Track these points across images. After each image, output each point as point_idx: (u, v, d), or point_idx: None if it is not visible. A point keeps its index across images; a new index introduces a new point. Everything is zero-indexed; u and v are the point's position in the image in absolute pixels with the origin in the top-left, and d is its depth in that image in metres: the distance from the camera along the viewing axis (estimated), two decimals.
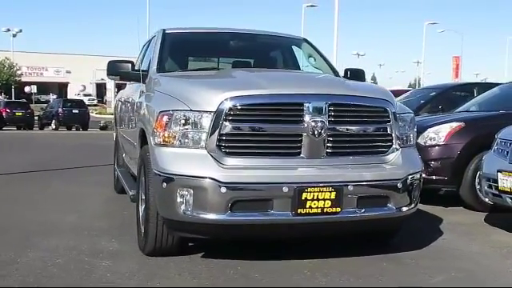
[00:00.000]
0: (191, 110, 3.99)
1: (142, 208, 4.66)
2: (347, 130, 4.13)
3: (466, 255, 4.73)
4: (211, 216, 3.87)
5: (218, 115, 3.90)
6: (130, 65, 5.37)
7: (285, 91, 4.14)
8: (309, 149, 4.01)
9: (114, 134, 8.29)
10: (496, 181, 5.35)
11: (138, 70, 5.35)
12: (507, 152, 5.36)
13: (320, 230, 4.23)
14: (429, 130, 6.84)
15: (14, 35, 64.21)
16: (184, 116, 3.99)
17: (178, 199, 3.91)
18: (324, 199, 3.93)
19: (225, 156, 3.92)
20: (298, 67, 6.16)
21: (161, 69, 5.26)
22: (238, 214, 3.89)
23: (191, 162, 3.93)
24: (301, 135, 3.99)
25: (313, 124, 3.96)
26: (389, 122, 4.24)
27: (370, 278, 4.02)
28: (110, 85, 53.42)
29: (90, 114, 35.58)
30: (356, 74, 5.54)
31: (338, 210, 3.98)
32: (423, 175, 4.66)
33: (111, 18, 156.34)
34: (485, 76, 74.29)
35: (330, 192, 3.94)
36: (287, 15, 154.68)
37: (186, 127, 3.98)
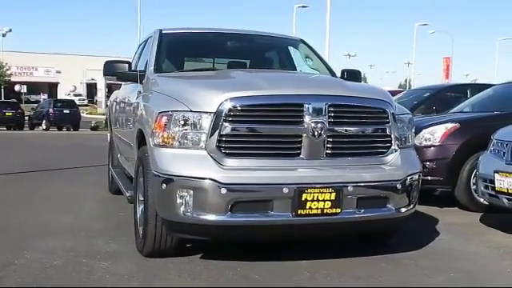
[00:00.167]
0: (191, 111, 3.97)
1: (139, 209, 4.64)
2: (347, 130, 4.13)
3: (464, 256, 4.75)
4: (211, 217, 3.86)
5: (218, 116, 3.89)
6: (126, 65, 5.35)
7: (285, 92, 4.13)
8: (309, 150, 4.01)
9: (109, 134, 8.25)
10: (493, 181, 5.37)
11: (135, 71, 5.33)
12: (504, 153, 5.40)
13: (320, 231, 4.23)
14: (424, 130, 6.87)
15: (4, 35, 63.70)
16: (183, 117, 3.97)
17: (178, 200, 3.90)
18: (324, 200, 3.93)
19: (225, 157, 3.91)
20: (294, 68, 6.16)
21: (158, 69, 5.24)
22: (238, 215, 3.88)
23: (191, 162, 3.92)
24: (301, 136, 3.99)
25: (313, 125, 3.96)
26: (388, 122, 4.25)
27: (370, 279, 4.02)
28: (101, 85, 53.27)
29: (81, 114, 35.40)
30: (352, 75, 5.55)
31: (338, 210, 3.98)
32: None
33: (102, 18, 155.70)
34: (475, 77, 74.75)
35: (330, 193, 3.94)
36: (278, 16, 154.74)
37: (186, 128, 3.97)
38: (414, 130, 4.67)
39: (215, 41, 6.08)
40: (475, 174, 6.50)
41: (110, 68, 5.36)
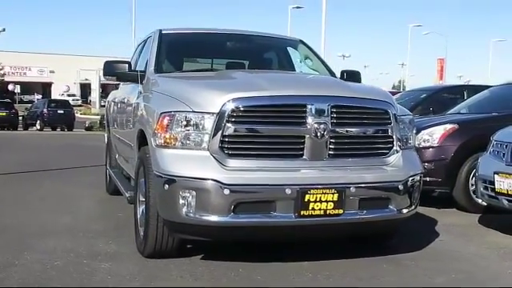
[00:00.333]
0: (193, 112, 3.96)
1: (140, 210, 4.63)
2: (349, 131, 4.13)
3: (464, 257, 4.76)
4: (214, 218, 3.85)
5: (221, 116, 3.88)
6: (126, 65, 5.33)
7: (288, 93, 4.13)
8: (311, 150, 4.00)
9: (106, 135, 8.23)
10: (492, 182, 5.39)
11: (136, 71, 5.31)
12: (503, 154, 5.41)
13: (322, 232, 4.23)
14: (422, 131, 6.88)
15: None
16: (186, 117, 3.96)
17: (180, 201, 3.88)
18: (327, 201, 3.93)
19: (227, 158, 3.90)
20: (293, 68, 6.16)
21: (158, 69, 5.22)
22: (240, 216, 3.87)
23: (194, 163, 3.91)
24: (303, 137, 3.98)
25: (315, 126, 3.96)
26: (390, 123, 4.25)
27: (372, 280, 4.03)
28: (95, 85, 53.13)
29: (75, 114, 35.31)
30: (352, 76, 5.55)
31: (341, 211, 3.98)
32: None
33: (96, 18, 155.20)
34: (468, 78, 74.88)
35: (333, 194, 3.94)
36: (273, 17, 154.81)
37: (188, 128, 3.95)
38: (414, 131, 4.68)
39: (215, 41, 6.07)
40: (474, 175, 6.53)
41: (110, 68, 5.34)
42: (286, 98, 4.05)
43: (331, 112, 4.02)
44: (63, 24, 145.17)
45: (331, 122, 4.01)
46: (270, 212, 3.90)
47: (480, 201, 6.54)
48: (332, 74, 5.67)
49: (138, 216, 4.63)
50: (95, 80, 52.99)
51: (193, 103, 4.00)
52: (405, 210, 4.29)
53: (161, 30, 5.78)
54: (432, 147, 6.83)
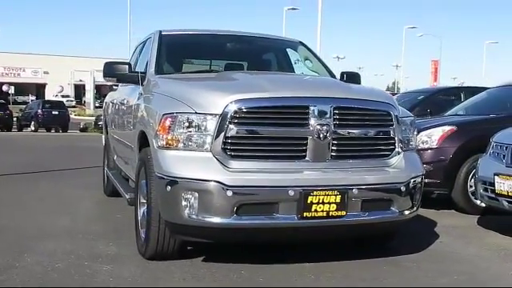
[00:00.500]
0: (196, 113, 3.95)
1: (140, 211, 4.61)
2: (352, 133, 4.13)
3: (465, 258, 4.76)
4: (216, 220, 3.84)
5: (224, 118, 3.87)
6: (127, 66, 5.31)
7: (290, 94, 4.13)
8: (314, 152, 4.00)
9: (103, 136, 8.19)
10: (492, 184, 5.40)
11: (136, 72, 5.29)
12: (503, 155, 5.43)
13: (325, 234, 4.23)
14: (421, 133, 6.88)
15: None
16: (188, 119, 3.95)
17: (183, 202, 3.87)
18: (329, 203, 3.92)
19: (230, 159, 3.89)
20: (292, 70, 6.16)
21: (159, 71, 5.20)
22: (243, 218, 3.86)
23: (196, 165, 3.89)
24: (306, 138, 3.97)
25: (318, 127, 3.95)
26: (392, 125, 4.25)
27: (374, 281, 4.03)
28: (90, 86, 53.07)
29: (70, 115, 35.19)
30: (352, 78, 5.53)
31: (343, 213, 3.97)
32: None
33: (90, 19, 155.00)
34: (462, 80, 75.16)
35: (336, 195, 3.93)
36: (268, 18, 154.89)
37: (190, 130, 3.94)
38: (416, 133, 4.68)
39: (215, 42, 6.05)
40: (472, 177, 6.54)
41: (110, 69, 5.31)
42: (288, 100, 4.05)
43: (334, 113, 4.01)
44: (57, 25, 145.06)
45: (334, 124, 4.01)
46: (273, 214, 3.89)
47: (479, 202, 6.55)
48: (332, 75, 5.67)
49: (139, 218, 4.61)
50: (89, 81, 52.96)
51: (195, 104, 3.99)
52: (406, 212, 4.29)
53: (161, 31, 5.75)
54: (430, 149, 6.84)
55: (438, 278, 4.16)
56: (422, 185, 4.47)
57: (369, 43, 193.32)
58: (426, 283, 4.05)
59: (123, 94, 6.22)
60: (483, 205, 6.42)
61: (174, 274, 4.05)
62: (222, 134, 3.87)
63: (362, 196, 4.05)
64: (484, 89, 9.57)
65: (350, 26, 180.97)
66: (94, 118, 33.48)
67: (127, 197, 5.13)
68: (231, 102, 3.89)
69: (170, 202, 3.95)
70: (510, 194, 5.22)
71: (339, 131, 4.05)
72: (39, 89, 72.73)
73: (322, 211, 3.92)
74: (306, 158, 4.01)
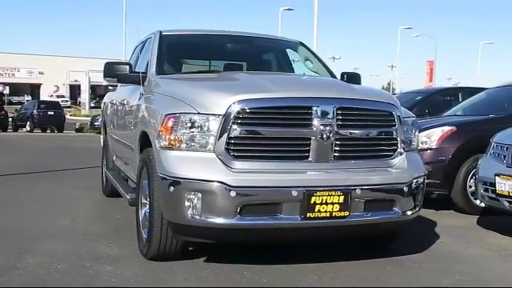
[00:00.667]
0: (198, 113, 3.94)
1: (142, 212, 4.61)
2: (355, 133, 4.13)
3: (466, 258, 4.77)
4: (220, 220, 3.83)
5: (227, 118, 3.86)
6: (127, 67, 5.29)
7: (293, 95, 4.12)
8: (317, 152, 3.99)
9: (102, 136, 8.17)
10: (493, 184, 5.41)
11: (137, 72, 5.27)
12: (504, 156, 5.44)
13: (328, 234, 4.23)
14: (421, 133, 6.85)
15: None
16: (191, 119, 3.94)
17: (186, 203, 3.85)
18: (333, 203, 3.92)
19: (233, 159, 3.88)
20: (292, 70, 6.16)
21: (160, 71, 5.19)
22: (246, 218, 3.85)
23: (199, 165, 3.88)
24: (309, 139, 3.97)
25: (321, 128, 3.95)
26: (394, 125, 4.26)
27: (377, 281, 4.03)
28: (85, 86, 52.92)
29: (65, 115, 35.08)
30: (352, 78, 5.54)
31: (347, 213, 3.97)
32: None
33: (85, 19, 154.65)
34: (457, 80, 75.33)
35: (339, 196, 3.93)
36: (264, 18, 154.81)
37: (193, 130, 3.93)
38: (417, 133, 4.69)
39: (216, 43, 6.04)
40: (472, 177, 6.57)
41: (111, 70, 5.29)
42: (291, 100, 4.05)
43: (337, 114, 4.01)
44: (52, 25, 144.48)
45: (337, 124, 4.01)
46: (276, 214, 3.88)
47: (478, 202, 6.58)
48: (333, 75, 5.67)
49: (140, 218, 4.60)
50: (85, 81, 52.83)
51: (198, 105, 3.98)
52: (409, 212, 4.29)
53: (161, 32, 5.73)
54: (430, 149, 6.85)
55: (440, 278, 4.16)
56: (424, 185, 4.48)
57: (364, 44, 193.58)
58: (429, 283, 4.05)
59: (123, 94, 6.20)
60: (482, 205, 6.44)
61: (176, 274, 4.05)
62: (225, 134, 3.86)
63: (365, 196, 4.04)
64: (482, 89, 9.59)
65: (345, 27, 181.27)
66: (89, 119, 33.40)
67: (128, 197, 5.11)
68: (234, 103, 3.88)
69: (172, 202, 3.93)
70: (510, 194, 5.22)
71: (342, 132, 4.05)
72: (34, 89, 72.54)
73: (326, 212, 3.92)
74: (309, 159, 4.00)
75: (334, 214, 3.94)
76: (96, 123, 28.42)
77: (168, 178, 3.93)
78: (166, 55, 5.46)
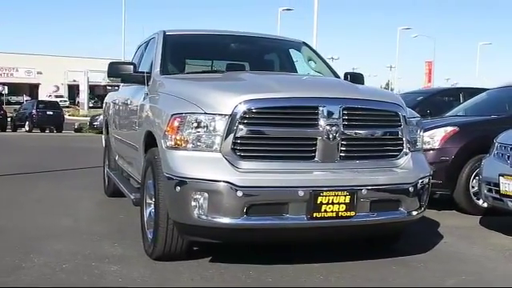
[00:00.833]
0: (205, 113, 3.94)
1: (146, 212, 4.60)
2: (361, 133, 4.13)
3: (471, 258, 4.78)
4: (226, 220, 3.83)
5: (233, 118, 3.86)
6: (131, 67, 5.29)
7: (300, 95, 4.13)
8: (323, 152, 4.00)
9: (103, 136, 8.17)
10: (497, 185, 5.42)
11: (141, 72, 5.26)
12: (508, 156, 5.45)
13: (334, 234, 4.23)
14: (423, 134, 6.89)
15: None
16: (197, 119, 3.94)
17: (192, 203, 3.86)
18: (339, 203, 3.93)
19: (240, 159, 3.88)
20: (295, 70, 6.16)
21: (164, 71, 5.19)
22: (253, 218, 3.85)
23: (206, 165, 3.88)
24: (315, 139, 3.97)
25: (327, 128, 3.95)
26: (400, 126, 4.26)
27: (383, 282, 4.04)
28: (84, 86, 52.88)
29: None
30: (356, 78, 5.54)
31: (353, 214, 3.97)
32: None
33: (84, 18, 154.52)
34: (455, 81, 75.50)
35: (345, 196, 3.94)
36: (263, 18, 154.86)
37: (200, 130, 3.93)
38: (422, 133, 4.69)
39: (220, 42, 6.04)
40: (474, 177, 6.59)
41: (115, 70, 5.29)
42: (298, 100, 4.05)
43: (343, 114, 4.02)
44: (51, 25, 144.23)
45: (343, 124, 4.01)
46: (283, 214, 3.89)
47: (480, 203, 6.59)
48: (336, 75, 5.68)
49: (145, 218, 4.60)
50: (83, 81, 52.79)
51: (204, 105, 3.98)
52: (414, 213, 4.30)
53: (165, 32, 5.73)
54: (433, 149, 6.85)
55: (446, 278, 4.17)
56: (429, 185, 4.48)
57: (363, 44, 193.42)
58: (434, 283, 4.06)
59: (126, 94, 6.19)
60: (485, 205, 6.46)
61: (182, 274, 4.05)
62: (232, 134, 3.86)
63: (371, 196, 4.05)
64: (483, 90, 9.61)
65: (344, 27, 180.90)
66: (88, 119, 33.34)
67: (132, 197, 5.10)
68: (241, 103, 3.88)
69: (179, 202, 3.93)
70: None
71: (348, 132, 4.05)
72: (33, 89, 72.45)
73: (332, 211, 3.92)
74: (316, 159, 4.00)
75: (340, 214, 3.94)
76: (95, 123, 28.39)
77: (174, 177, 3.93)
78: (170, 55, 5.45)
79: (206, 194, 3.83)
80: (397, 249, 4.78)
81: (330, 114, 3.98)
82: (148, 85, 5.10)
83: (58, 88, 72.37)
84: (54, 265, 4.17)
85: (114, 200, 7.08)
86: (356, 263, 4.41)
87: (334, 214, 3.93)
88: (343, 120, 4.02)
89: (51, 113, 31.89)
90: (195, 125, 3.94)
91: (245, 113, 3.87)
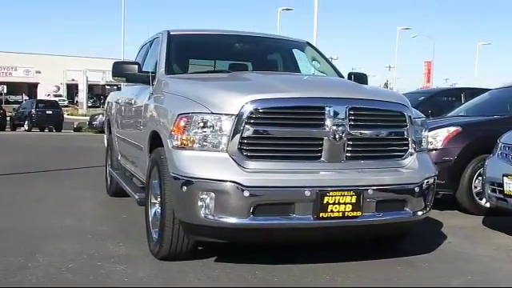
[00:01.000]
0: (211, 113, 3.94)
1: (152, 212, 4.60)
2: (366, 134, 4.13)
3: (476, 258, 4.78)
4: (233, 220, 3.83)
5: (240, 118, 3.86)
6: (136, 66, 5.28)
7: (307, 95, 4.13)
8: (329, 152, 4.00)
9: (105, 136, 8.16)
10: (501, 185, 5.43)
11: (146, 72, 5.26)
12: None
13: (340, 234, 4.24)
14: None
15: None
16: (204, 119, 3.94)
17: (199, 203, 3.86)
18: (345, 203, 3.93)
19: (246, 159, 3.88)
20: (299, 70, 6.16)
21: (169, 71, 5.19)
22: (259, 218, 3.85)
23: (212, 165, 3.88)
24: (322, 139, 3.98)
25: (334, 128, 3.95)
26: (406, 126, 4.27)
27: (389, 282, 4.04)
28: (82, 86, 52.83)
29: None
30: (359, 79, 5.53)
31: (359, 213, 3.98)
32: None
33: (83, 18, 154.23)
34: (454, 81, 75.58)
35: (351, 196, 3.94)
36: (262, 18, 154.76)
37: (206, 130, 3.93)
38: (427, 134, 4.70)
39: (224, 42, 6.04)
40: (477, 178, 6.59)
41: (119, 69, 5.28)
42: (304, 100, 4.05)
43: (349, 114, 4.02)
44: (49, 24, 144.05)
45: (349, 125, 4.02)
46: (289, 214, 3.89)
47: (483, 203, 6.61)
48: (340, 75, 5.68)
49: (150, 218, 4.60)
50: (82, 80, 52.74)
51: (210, 105, 3.98)
52: (420, 213, 4.30)
53: (169, 32, 5.73)
54: (435, 149, 6.85)
55: (451, 278, 4.18)
56: (434, 185, 4.48)
57: (362, 44, 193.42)
58: (440, 283, 4.06)
59: (130, 94, 6.18)
60: (487, 205, 6.47)
61: (188, 274, 4.05)
62: (238, 134, 3.86)
63: (377, 196, 4.05)
64: (484, 90, 9.62)
65: (343, 27, 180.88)
66: (87, 118, 33.32)
67: (137, 197, 5.09)
68: (247, 103, 3.88)
69: (185, 202, 3.93)
70: None
71: (354, 132, 4.06)
72: (31, 88, 72.30)
73: (338, 211, 3.93)
74: (322, 159, 4.01)
75: (346, 213, 3.95)
76: (94, 123, 28.39)
77: (181, 177, 3.93)
78: (174, 55, 5.44)
79: (212, 194, 3.83)
80: (401, 249, 4.79)
81: (336, 114, 3.98)
82: (153, 84, 5.10)
83: (58, 88, 72.28)
84: (59, 264, 4.17)
85: (116, 200, 7.08)
86: (361, 263, 4.42)
87: (341, 214, 3.93)
88: (349, 120, 4.02)
89: (50, 112, 31.88)
90: (202, 125, 3.94)
91: (251, 113, 3.87)
